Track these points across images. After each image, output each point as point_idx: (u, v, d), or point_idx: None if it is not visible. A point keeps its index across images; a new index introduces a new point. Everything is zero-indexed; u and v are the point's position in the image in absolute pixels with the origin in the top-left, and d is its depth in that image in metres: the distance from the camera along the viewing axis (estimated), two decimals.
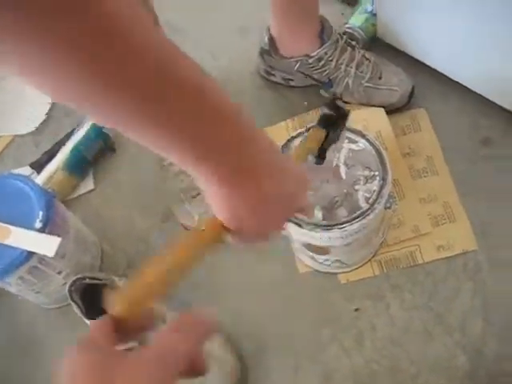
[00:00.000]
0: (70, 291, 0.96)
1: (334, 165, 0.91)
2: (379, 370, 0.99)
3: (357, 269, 1.07)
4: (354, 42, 1.19)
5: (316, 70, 1.18)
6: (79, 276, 0.98)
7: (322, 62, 1.16)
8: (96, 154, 1.24)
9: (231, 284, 1.10)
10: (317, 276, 1.08)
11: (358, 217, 0.85)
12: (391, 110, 1.17)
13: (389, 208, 0.93)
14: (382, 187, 0.87)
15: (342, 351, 1.01)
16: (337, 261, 1.00)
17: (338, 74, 1.17)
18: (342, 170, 0.90)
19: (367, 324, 1.03)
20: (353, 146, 0.92)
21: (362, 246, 0.98)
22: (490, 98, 1.13)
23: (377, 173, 0.89)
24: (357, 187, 0.88)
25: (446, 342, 0.99)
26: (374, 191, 0.87)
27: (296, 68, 1.20)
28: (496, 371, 0.96)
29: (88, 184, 1.24)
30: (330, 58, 1.16)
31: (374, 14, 1.22)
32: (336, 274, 1.07)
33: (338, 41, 1.15)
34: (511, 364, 0.96)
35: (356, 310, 1.04)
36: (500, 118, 1.15)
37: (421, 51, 1.20)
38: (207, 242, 0.52)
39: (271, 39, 1.20)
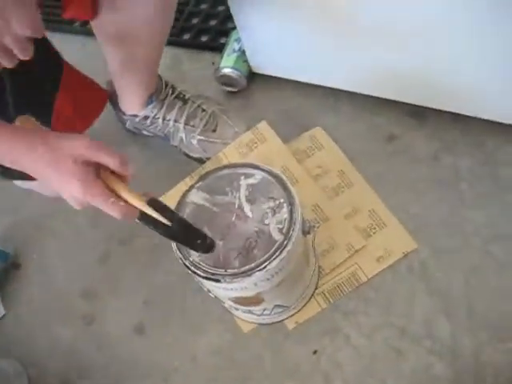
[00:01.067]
0: None
1: (237, 206, 0.83)
2: None
3: (301, 309, 0.98)
4: (187, 95, 1.17)
5: (149, 126, 1.18)
6: None
7: (149, 120, 1.16)
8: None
9: (177, 366, 0.99)
10: (263, 330, 0.98)
11: (275, 252, 0.78)
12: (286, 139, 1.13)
13: (308, 233, 0.86)
14: (292, 212, 0.80)
15: None
16: (276, 306, 0.91)
17: (168, 130, 1.17)
18: (247, 208, 0.83)
19: (331, 364, 0.93)
20: (250, 181, 0.85)
21: (295, 282, 0.89)
22: (379, 95, 1.11)
23: (282, 199, 0.82)
24: (267, 221, 0.81)
25: (418, 353, 0.90)
26: (285, 220, 0.80)
27: (127, 125, 1.22)
28: (479, 367, 0.87)
29: None
30: (157, 116, 1.15)
31: (243, 51, 1.19)
32: (282, 321, 0.98)
33: (166, 98, 1.15)
34: (492, 354, 0.88)
35: (314, 352, 0.94)
36: (395, 110, 1.13)
37: (297, 71, 1.17)
38: None
39: (111, 94, 1.21)
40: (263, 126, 1.13)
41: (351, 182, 1.07)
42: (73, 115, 1.08)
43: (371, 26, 0.97)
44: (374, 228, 1.01)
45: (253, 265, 0.77)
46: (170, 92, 1.15)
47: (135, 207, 0.71)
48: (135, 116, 1.16)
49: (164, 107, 1.14)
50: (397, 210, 1.02)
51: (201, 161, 1.17)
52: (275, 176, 0.84)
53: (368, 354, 0.92)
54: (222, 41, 1.31)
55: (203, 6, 1.44)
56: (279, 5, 1.04)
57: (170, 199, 1.12)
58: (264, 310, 0.91)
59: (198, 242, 0.76)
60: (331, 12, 0.99)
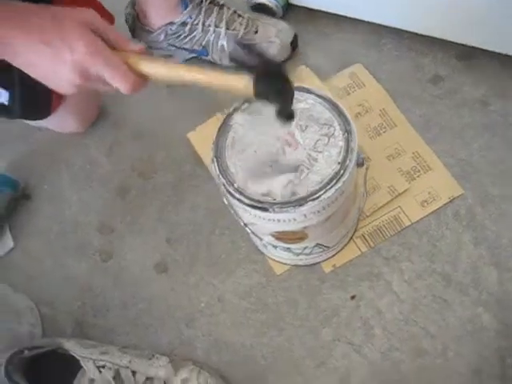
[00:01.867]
0: (7, 371, 0.76)
1: (286, 131, 0.76)
2: (401, 357, 0.83)
3: (339, 252, 0.92)
4: (221, 1, 1.09)
5: (184, 38, 1.09)
6: (15, 350, 0.78)
7: (188, 27, 1.07)
8: (8, 207, 1.04)
9: (202, 307, 0.92)
10: (298, 272, 0.92)
11: (330, 181, 0.71)
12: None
13: (361, 165, 0.79)
14: (348, 141, 0.73)
15: (352, 350, 0.85)
16: (317, 246, 0.85)
17: (208, 38, 1.07)
18: (297, 134, 0.75)
19: (371, 310, 0.87)
20: (301, 105, 0.77)
21: (342, 220, 0.83)
22: (425, 33, 1.03)
23: (337, 127, 0.74)
24: (320, 149, 0.74)
25: (464, 303, 0.85)
26: (341, 148, 0.73)
27: (162, 39, 1.10)
28: None
29: (6, 243, 1.03)
30: (196, 22, 1.06)
31: None
32: (318, 263, 0.92)
33: (202, 2, 1.06)
34: None
35: (353, 297, 0.89)
36: (441, 51, 1.06)
37: (338, 4, 1.09)
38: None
39: (136, 15, 1.11)
40: (360, 70, 1.06)
41: (394, 123, 1.00)
42: None
43: None
44: (419, 171, 0.95)
45: (305, 193, 0.71)
46: None
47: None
48: (171, 24, 1.06)
49: (202, 12, 1.06)
50: (442, 154, 0.96)
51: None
52: (329, 101, 0.76)
53: (410, 302, 0.87)
54: None
55: None
56: None
57: (199, 134, 1.05)
58: (304, 248, 0.84)
59: (289, 92, 0.66)
60: None
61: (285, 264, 0.92)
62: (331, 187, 0.70)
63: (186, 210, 1.01)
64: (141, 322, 0.94)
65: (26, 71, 0.64)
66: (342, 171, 0.71)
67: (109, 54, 0.62)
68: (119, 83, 0.63)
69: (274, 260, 0.93)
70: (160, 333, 0.92)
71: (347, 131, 0.74)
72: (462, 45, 1.01)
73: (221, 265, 0.95)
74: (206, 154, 1.03)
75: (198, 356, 0.89)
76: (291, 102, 0.68)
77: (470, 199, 0.92)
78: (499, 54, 0.99)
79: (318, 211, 0.73)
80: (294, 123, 0.75)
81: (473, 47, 1.00)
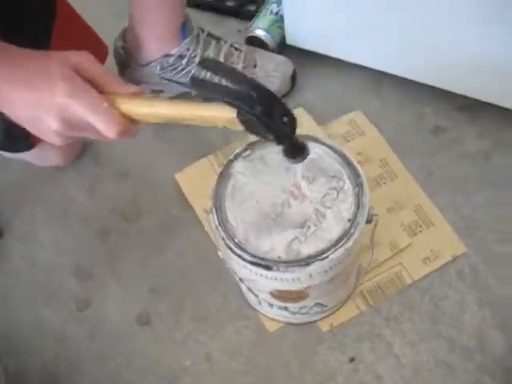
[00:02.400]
0: None
1: (292, 183, 0.71)
2: None
3: (337, 310, 0.86)
4: (217, 34, 1.05)
5: (181, 71, 1.02)
6: None
7: (185, 60, 1.00)
8: None
9: (187, 365, 0.85)
10: (292, 330, 0.86)
11: (340, 240, 0.66)
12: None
13: (369, 222, 0.75)
14: (359, 196, 0.68)
15: None
16: (316, 305, 0.79)
17: (205, 73, 1.00)
18: (304, 186, 0.70)
19: (370, 374, 0.81)
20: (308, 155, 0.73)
21: (346, 279, 0.78)
22: (427, 83, 1.00)
23: (347, 180, 0.70)
24: (328, 204, 0.69)
25: (469, 369, 0.80)
26: (351, 203, 0.68)
27: (158, 73, 1.03)
28: None
29: None
30: (193, 55, 1.00)
31: (281, 16, 1.07)
32: (315, 322, 0.86)
33: (199, 34, 1.01)
34: None
35: (351, 360, 0.83)
36: (443, 101, 1.03)
37: (340, 48, 1.05)
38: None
39: (127, 48, 1.04)
40: (360, 117, 1.02)
41: (395, 174, 0.96)
42: None
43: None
44: (420, 226, 0.91)
45: (313, 252, 0.65)
46: (201, 29, 1.02)
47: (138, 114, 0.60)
48: (168, 56, 1.00)
49: (200, 44, 1.00)
50: (444, 209, 0.92)
51: None
52: (338, 152, 0.72)
53: (412, 366, 0.81)
54: (251, 8, 1.18)
55: None
56: None
57: (187, 176, 0.99)
58: (302, 307, 0.79)
59: (285, 119, 0.58)
60: None
61: (278, 321, 0.86)
62: (341, 246, 0.65)
63: (172, 258, 0.93)
64: (119, 378, 0.85)
65: (11, 117, 0.60)
66: (352, 229, 0.66)
67: (94, 97, 0.57)
68: (105, 128, 0.58)
69: (266, 317, 0.87)
70: None
71: (358, 185, 0.69)
72: (464, 96, 0.99)
73: (209, 320, 0.88)
74: (194, 197, 0.97)
75: None
76: (292, 131, 0.60)
77: (474, 257, 0.88)
78: (501, 107, 0.96)
79: (325, 271, 0.67)
80: (300, 171, 0.70)
81: (474, 99, 0.98)
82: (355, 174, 0.70)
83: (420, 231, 0.90)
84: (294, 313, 0.80)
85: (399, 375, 0.81)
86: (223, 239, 0.67)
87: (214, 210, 0.69)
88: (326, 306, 0.81)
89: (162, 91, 1.07)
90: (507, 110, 0.96)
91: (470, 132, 1.00)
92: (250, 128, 0.58)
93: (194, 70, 1.00)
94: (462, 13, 0.87)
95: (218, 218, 0.69)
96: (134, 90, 0.61)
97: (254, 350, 0.85)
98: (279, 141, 0.60)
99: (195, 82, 0.60)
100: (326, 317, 0.85)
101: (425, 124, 1.02)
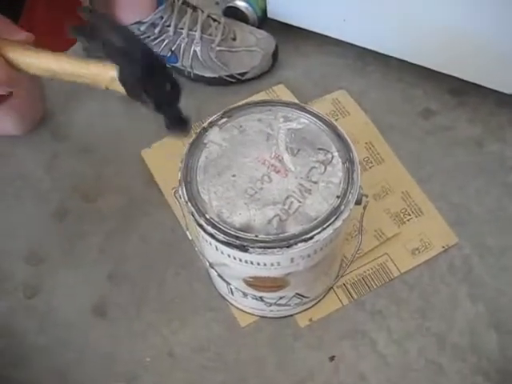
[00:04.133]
0: None
1: (273, 155, 0.62)
2: None
3: (317, 303, 0.78)
4: (194, 2, 0.97)
5: (152, 41, 0.94)
6: None
7: (158, 29, 0.93)
8: None
9: (147, 362, 0.75)
10: (267, 325, 0.77)
11: (328, 218, 0.57)
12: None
13: (359, 203, 0.67)
14: (349, 171, 0.60)
15: None
16: (296, 296, 0.71)
17: (180, 43, 0.94)
18: (287, 159, 0.62)
19: (352, 375, 0.73)
20: (292, 125, 0.64)
21: (330, 266, 0.69)
22: (416, 63, 0.94)
23: (336, 154, 0.62)
24: (314, 178, 0.61)
25: (461, 370, 0.73)
26: (341, 179, 0.60)
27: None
28: None
29: None
30: (167, 23, 0.93)
31: None
32: (292, 315, 0.77)
33: (174, 2, 0.94)
34: None
35: (332, 358, 0.74)
36: (433, 84, 0.96)
37: (324, 23, 0.98)
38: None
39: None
40: (344, 97, 0.94)
41: (381, 158, 0.88)
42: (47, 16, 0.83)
43: None
44: (409, 214, 0.83)
45: (297, 232, 0.57)
46: None
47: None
48: (139, 24, 0.91)
49: (175, 12, 0.92)
50: (434, 197, 0.85)
51: (219, 82, 0.97)
52: (326, 122, 0.64)
53: (399, 366, 0.73)
54: None
55: None
56: None
57: (155, 153, 0.90)
58: (280, 298, 0.70)
59: (168, 87, 0.54)
60: None
61: (252, 315, 0.77)
62: (328, 226, 0.57)
63: (134, 242, 0.84)
64: (70, 376, 0.75)
65: None
66: (342, 207, 0.58)
67: None
68: None
69: (238, 309, 0.78)
70: None
71: (348, 159, 0.61)
72: (456, 78, 0.92)
73: (173, 311, 0.78)
74: (162, 176, 0.88)
75: None
76: (174, 102, 0.55)
77: (466, 249, 0.81)
78: (495, 91, 0.90)
79: (308, 255, 0.59)
80: (283, 142, 0.62)
81: (467, 82, 0.91)
82: (345, 147, 0.62)
83: (408, 220, 0.83)
84: (270, 304, 0.71)
85: (385, 376, 0.73)
86: (193, 215, 0.59)
87: (183, 183, 0.60)
88: (306, 297, 0.72)
89: None
90: (501, 93, 0.90)
91: (461, 116, 0.94)
92: (130, 91, 0.53)
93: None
94: None
95: (187, 192, 0.60)
96: (23, 37, 0.56)
97: (223, 345, 0.76)
98: (158, 108, 0.54)
99: (77, 29, 0.53)
100: (304, 310, 0.77)
101: (414, 106, 0.95)
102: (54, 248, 0.84)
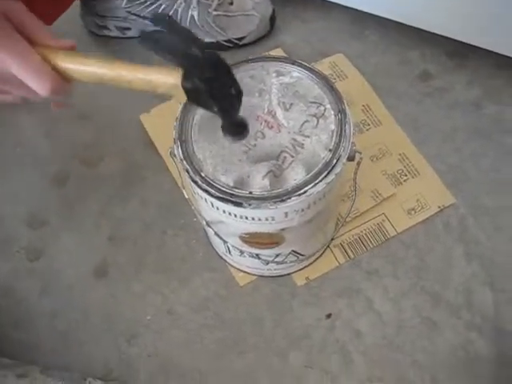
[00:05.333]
0: None
1: (266, 110, 0.63)
2: None
3: (314, 262, 0.79)
4: None
5: (150, 5, 0.94)
6: None
7: None
8: None
9: (147, 321, 0.77)
10: (265, 284, 0.78)
11: (320, 172, 0.58)
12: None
13: (352, 159, 0.67)
14: (342, 123, 0.61)
15: (327, 379, 0.72)
16: (292, 253, 0.72)
17: (176, 7, 0.94)
18: (280, 114, 0.62)
19: (348, 332, 0.74)
20: (284, 79, 0.64)
21: (326, 223, 0.70)
22: (414, 25, 0.93)
23: (328, 106, 0.62)
24: (307, 132, 0.61)
25: (455, 327, 0.74)
26: (333, 132, 0.60)
27: (124, 6, 0.94)
28: None
29: None
30: None
31: None
32: (289, 274, 0.79)
33: None
34: None
35: (328, 316, 0.76)
36: (431, 46, 0.96)
37: None
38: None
39: None
40: (342, 60, 0.94)
41: (378, 120, 0.89)
42: None
43: None
44: (405, 175, 0.84)
45: (289, 187, 0.58)
46: None
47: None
48: None
49: None
50: (431, 158, 0.86)
51: (216, 47, 0.96)
52: (319, 75, 0.64)
53: (394, 323, 0.74)
54: None
55: None
56: None
57: (154, 117, 0.91)
58: (277, 255, 0.71)
59: (232, 91, 0.52)
60: None
61: (250, 274, 0.79)
62: (321, 180, 0.57)
63: (134, 205, 0.85)
64: (72, 336, 0.77)
65: None
66: (334, 161, 0.58)
67: (24, 48, 0.49)
68: (36, 83, 0.50)
69: (236, 268, 0.79)
70: (95, 351, 0.76)
71: (340, 111, 0.61)
72: (454, 40, 0.91)
73: (172, 271, 0.79)
74: (161, 140, 0.88)
75: (141, 381, 0.73)
76: (237, 106, 0.54)
77: (462, 209, 0.81)
78: (494, 53, 0.89)
79: (302, 209, 0.60)
80: (275, 97, 0.62)
81: (465, 44, 0.91)
82: (338, 100, 0.62)
83: (405, 180, 0.83)
84: (267, 262, 0.72)
85: (381, 333, 0.74)
86: (188, 173, 0.59)
87: (178, 142, 0.61)
88: (302, 255, 0.73)
89: (128, 28, 0.98)
90: (499, 55, 0.89)
91: (459, 79, 0.93)
92: (193, 97, 0.52)
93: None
94: None
95: (182, 150, 0.60)
96: (69, 44, 0.54)
97: (222, 304, 0.77)
98: (224, 113, 0.53)
99: (144, 35, 0.52)
100: (301, 269, 0.78)
101: (411, 69, 0.95)
102: (55, 212, 0.86)
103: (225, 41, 0.96)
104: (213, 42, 0.96)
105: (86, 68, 0.53)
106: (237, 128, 0.57)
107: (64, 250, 0.83)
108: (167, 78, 0.51)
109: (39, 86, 0.51)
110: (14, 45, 0.49)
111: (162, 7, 0.93)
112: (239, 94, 0.53)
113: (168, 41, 0.51)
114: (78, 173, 0.88)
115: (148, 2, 0.93)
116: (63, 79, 0.53)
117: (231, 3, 0.96)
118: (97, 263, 0.81)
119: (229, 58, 0.94)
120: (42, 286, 0.81)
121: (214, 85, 0.50)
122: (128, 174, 0.87)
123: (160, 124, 0.88)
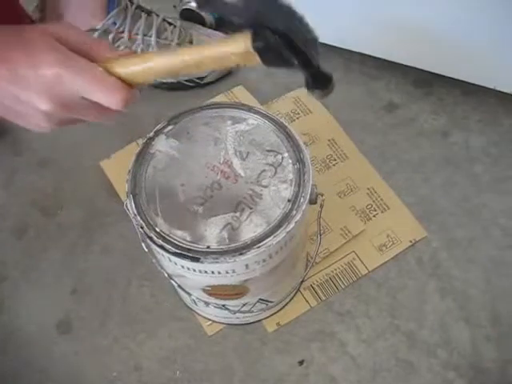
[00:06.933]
0: None
1: (222, 160, 0.61)
2: None
3: (284, 307, 0.77)
4: (147, 7, 0.95)
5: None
6: None
7: (112, 36, 0.90)
8: None
9: (113, 377, 0.73)
10: (234, 332, 0.75)
11: (280, 223, 0.56)
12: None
13: (314, 202, 0.65)
14: (300, 172, 0.59)
15: None
16: (259, 302, 0.69)
17: (136, 48, 0.92)
18: (236, 164, 0.60)
19: (322, 378, 0.72)
20: (240, 127, 0.62)
21: (291, 269, 0.68)
22: (378, 56, 0.92)
23: (286, 154, 0.60)
24: (265, 182, 0.59)
25: (432, 367, 0.72)
26: (292, 181, 0.58)
27: None
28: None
29: None
30: (121, 29, 0.91)
31: None
32: (259, 321, 0.76)
33: (127, 7, 0.91)
34: None
35: (301, 362, 0.73)
36: (396, 76, 0.95)
37: None
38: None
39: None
40: (305, 95, 0.91)
41: (345, 154, 0.87)
42: None
43: None
44: (375, 210, 0.82)
45: (248, 240, 0.55)
46: (130, 1, 0.92)
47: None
48: (92, 31, 0.89)
49: (128, 18, 0.90)
50: (401, 191, 0.84)
51: (178, 87, 0.95)
52: (275, 122, 0.62)
53: (369, 367, 0.72)
54: None
55: None
56: None
57: (114, 163, 0.88)
58: (244, 305, 0.68)
59: (308, 36, 0.45)
60: None
61: (218, 323, 0.76)
62: (280, 231, 0.55)
63: (96, 255, 0.82)
64: None
65: None
66: (293, 211, 0.56)
67: (86, 64, 0.46)
68: (106, 97, 0.47)
69: (204, 317, 0.76)
70: None
71: (299, 160, 0.59)
72: (419, 70, 0.90)
73: (139, 323, 0.76)
74: (123, 186, 0.85)
75: None
76: (318, 52, 0.47)
77: (434, 243, 0.80)
78: (459, 80, 0.89)
79: (264, 260, 0.58)
80: (231, 146, 0.60)
81: (430, 73, 0.90)
82: (296, 148, 0.60)
83: (374, 216, 0.82)
84: (235, 312, 0.70)
85: (356, 377, 0.71)
86: (142, 229, 0.57)
87: (131, 196, 0.59)
88: (270, 302, 0.71)
89: None
90: (464, 82, 0.88)
91: (425, 108, 0.92)
92: (268, 58, 0.46)
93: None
94: None
95: (136, 205, 0.58)
96: (124, 51, 0.51)
97: (190, 356, 0.74)
98: (306, 64, 0.47)
99: (201, 1, 0.49)
100: (272, 315, 0.75)
101: (377, 100, 0.93)
102: (14, 265, 0.82)
103: (186, 81, 0.94)
104: (173, 83, 0.94)
105: (148, 66, 0.49)
106: (321, 80, 0.51)
107: (25, 304, 0.79)
108: (235, 46, 0.46)
109: (110, 98, 0.47)
110: (77, 64, 0.46)
111: (121, 49, 0.91)
112: (314, 36, 0.46)
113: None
114: (37, 223, 0.85)
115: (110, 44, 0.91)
116: (128, 86, 0.49)
117: (191, 42, 0.94)
118: (59, 318, 0.78)
119: (192, 97, 0.94)
120: (2, 344, 0.77)
121: (288, 35, 0.44)
122: (89, 222, 0.84)
123: (121, 169, 0.84)
